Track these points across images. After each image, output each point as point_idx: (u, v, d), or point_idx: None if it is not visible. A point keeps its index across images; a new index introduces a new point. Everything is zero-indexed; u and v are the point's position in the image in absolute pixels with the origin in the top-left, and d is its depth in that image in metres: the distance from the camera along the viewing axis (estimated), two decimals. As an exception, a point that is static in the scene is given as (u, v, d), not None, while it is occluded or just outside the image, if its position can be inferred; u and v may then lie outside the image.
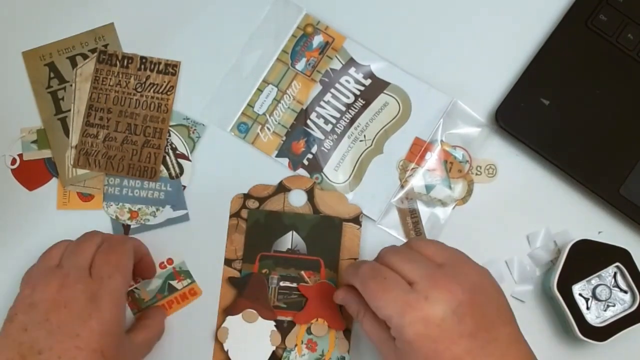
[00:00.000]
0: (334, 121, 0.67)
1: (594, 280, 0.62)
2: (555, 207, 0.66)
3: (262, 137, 0.67)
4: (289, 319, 0.64)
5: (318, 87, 0.68)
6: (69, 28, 0.68)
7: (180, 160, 0.67)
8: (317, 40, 0.68)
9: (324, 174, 0.66)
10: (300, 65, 0.68)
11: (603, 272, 0.62)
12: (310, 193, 0.66)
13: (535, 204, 0.66)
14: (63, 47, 0.68)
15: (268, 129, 0.67)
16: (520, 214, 0.66)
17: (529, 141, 0.65)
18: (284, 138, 0.67)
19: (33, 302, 0.54)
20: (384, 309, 0.52)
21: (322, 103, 0.67)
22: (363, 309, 0.56)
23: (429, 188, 0.66)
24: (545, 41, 0.67)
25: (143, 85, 0.67)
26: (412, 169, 0.66)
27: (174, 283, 0.65)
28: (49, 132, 0.66)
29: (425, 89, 0.67)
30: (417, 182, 0.66)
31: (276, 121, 0.67)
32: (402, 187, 0.66)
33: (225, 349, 0.63)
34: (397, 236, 0.66)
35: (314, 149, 0.67)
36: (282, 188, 0.66)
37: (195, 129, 0.67)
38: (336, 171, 0.66)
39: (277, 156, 0.67)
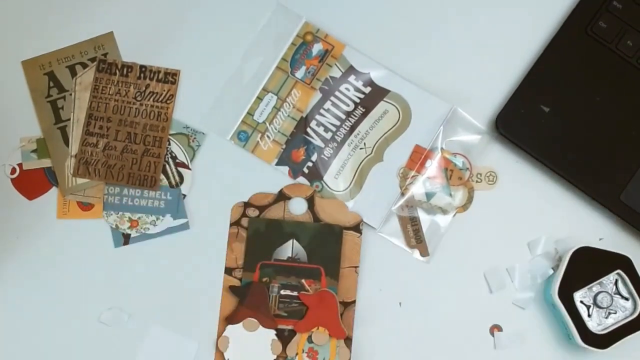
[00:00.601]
0: (333, 129, 0.67)
1: (595, 287, 0.62)
2: (555, 214, 0.66)
3: (262, 145, 0.67)
4: (289, 327, 0.64)
5: (318, 95, 0.67)
6: (68, 37, 0.68)
7: (180, 169, 0.66)
8: (317, 48, 0.68)
9: (324, 182, 0.66)
10: (299, 73, 0.68)
11: (604, 279, 0.62)
12: (310, 201, 0.66)
13: (536, 211, 0.66)
14: (62, 56, 0.68)
15: (268, 137, 0.67)
16: (521, 221, 0.66)
17: (529, 148, 0.65)
18: (284, 146, 0.67)
19: None
20: None
21: (322, 111, 0.67)
22: None
23: (429, 196, 0.66)
24: (545, 48, 0.67)
25: (143, 94, 0.67)
26: (413, 176, 0.66)
27: None
28: (48, 141, 0.66)
29: (425, 97, 0.67)
30: (417, 189, 0.66)
31: (276, 129, 0.67)
32: (403, 194, 0.66)
33: (227, 358, 0.63)
34: (398, 244, 0.65)
35: (314, 157, 0.67)
36: (282, 196, 0.66)
37: (195, 138, 0.67)
38: (336, 179, 0.66)
39: (277, 164, 0.67)
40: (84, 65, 0.67)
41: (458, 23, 0.69)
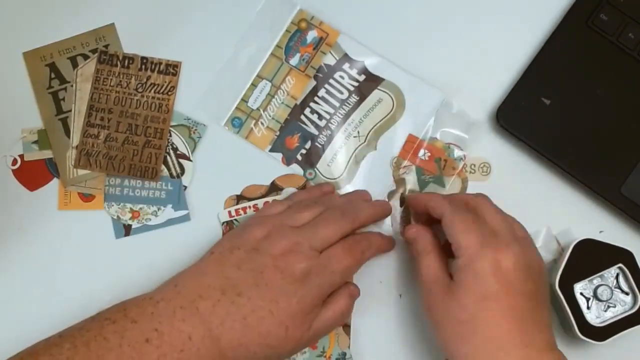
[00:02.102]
0: (327, 117, 0.66)
1: (596, 280, 0.61)
2: (556, 206, 0.65)
3: (255, 132, 0.66)
4: (289, 318, 0.63)
5: (312, 83, 0.66)
6: (69, 28, 0.66)
7: (181, 161, 0.65)
8: (311, 35, 0.67)
9: (318, 170, 0.65)
10: (294, 61, 0.66)
11: (605, 273, 0.61)
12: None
13: (536, 203, 0.65)
14: (64, 48, 0.66)
15: (262, 124, 0.66)
16: (521, 213, 0.64)
17: (530, 140, 0.64)
18: (277, 133, 0.66)
19: (258, 249, 0.54)
20: (466, 237, 0.54)
21: (316, 98, 0.66)
22: (430, 246, 0.57)
23: (422, 185, 0.64)
24: (546, 41, 0.65)
25: (144, 86, 0.65)
26: (405, 166, 0.64)
27: None
28: (49, 132, 0.65)
29: (419, 86, 0.65)
30: (410, 178, 0.64)
31: (270, 116, 0.66)
32: (396, 183, 0.64)
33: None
34: (389, 232, 0.64)
35: (308, 145, 0.65)
36: (274, 187, 0.65)
37: (196, 129, 0.65)
38: (330, 167, 0.65)
39: (270, 151, 0.65)
40: (86, 57, 0.66)
41: (457, 14, 0.67)
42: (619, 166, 0.63)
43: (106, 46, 0.66)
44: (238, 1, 0.67)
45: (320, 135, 0.65)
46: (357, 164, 0.65)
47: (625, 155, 0.63)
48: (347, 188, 0.65)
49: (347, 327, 0.62)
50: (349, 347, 0.62)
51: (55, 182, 0.65)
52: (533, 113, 0.64)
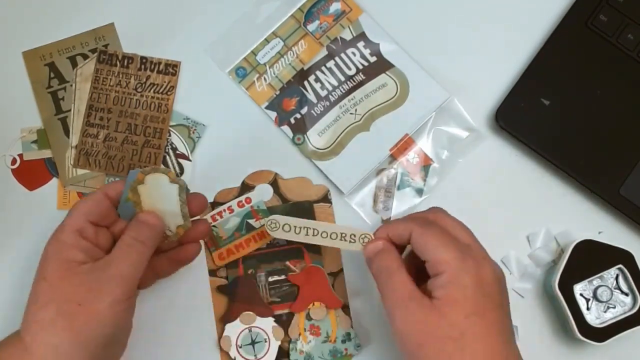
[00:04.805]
0: (330, 88, 0.65)
1: (596, 281, 0.59)
2: (555, 207, 0.63)
3: (257, 85, 0.65)
4: (286, 311, 0.62)
5: (323, 52, 0.65)
6: (69, 28, 0.65)
7: (181, 160, 0.63)
8: (335, 6, 0.66)
9: (307, 137, 0.64)
10: (312, 27, 0.66)
11: (605, 274, 0.59)
12: (274, 185, 0.63)
13: (535, 204, 0.63)
14: (63, 47, 0.64)
15: (265, 79, 0.65)
16: (520, 215, 0.63)
17: (529, 141, 0.62)
18: (277, 92, 0.65)
19: None
20: (444, 252, 0.50)
21: (323, 68, 0.65)
22: (398, 261, 0.53)
23: (401, 185, 0.64)
24: (546, 41, 0.64)
25: (143, 85, 0.64)
26: (394, 165, 0.64)
27: (251, 222, 0.62)
28: (49, 132, 0.63)
29: (427, 81, 0.64)
30: (394, 177, 0.64)
31: (274, 74, 0.65)
32: (378, 174, 0.64)
33: (232, 357, 0.60)
34: (361, 214, 0.63)
35: (304, 110, 0.64)
36: (245, 187, 0.63)
37: (195, 129, 0.64)
38: (320, 137, 0.64)
39: (266, 108, 0.64)
40: (85, 56, 0.64)
41: (456, 15, 0.66)
42: (618, 167, 0.62)
43: (105, 46, 0.64)
44: (238, 1, 0.66)
45: (318, 105, 0.64)
46: (346, 140, 0.64)
47: (625, 156, 0.62)
48: (332, 160, 0.63)
49: (345, 308, 0.61)
50: (351, 326, 0.61)
51: (54, 182, 0.63)
52: (532, 114, 0.62)
